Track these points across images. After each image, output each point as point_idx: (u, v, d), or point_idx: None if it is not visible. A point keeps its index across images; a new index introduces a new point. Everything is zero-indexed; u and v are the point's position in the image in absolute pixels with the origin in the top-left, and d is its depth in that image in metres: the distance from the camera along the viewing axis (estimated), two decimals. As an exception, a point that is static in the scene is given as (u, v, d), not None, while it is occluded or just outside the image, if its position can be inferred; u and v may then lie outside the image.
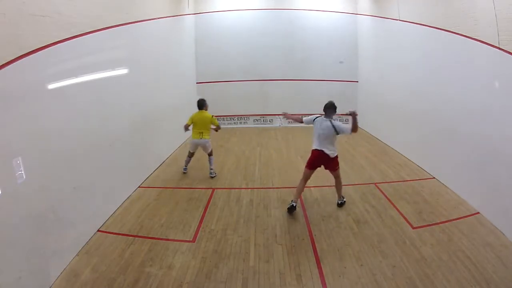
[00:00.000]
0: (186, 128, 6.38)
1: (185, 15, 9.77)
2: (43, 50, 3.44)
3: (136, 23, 6.03)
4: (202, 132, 6.36)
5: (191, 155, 6.71)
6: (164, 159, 7.61)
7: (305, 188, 5.08)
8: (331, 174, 5.10)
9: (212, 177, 6.45)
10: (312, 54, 11.10)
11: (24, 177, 3.11)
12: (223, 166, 7.17)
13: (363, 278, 3.46)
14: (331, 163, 4.95)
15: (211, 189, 5.87)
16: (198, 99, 6.54)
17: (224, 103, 11.21)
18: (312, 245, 4.09)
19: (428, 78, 6.51)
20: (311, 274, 3.56)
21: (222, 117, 11.42)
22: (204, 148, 6.51)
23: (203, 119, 6.36)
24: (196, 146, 6.55)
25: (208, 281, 3.47)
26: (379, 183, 6.00)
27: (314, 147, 4.91)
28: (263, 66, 11.12)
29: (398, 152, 7.90)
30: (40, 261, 3.31)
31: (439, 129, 6.08)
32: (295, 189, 5.02)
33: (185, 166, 6.78)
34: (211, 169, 6.55)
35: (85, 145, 4.26)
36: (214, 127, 6.54)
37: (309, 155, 4.95)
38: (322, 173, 6.57)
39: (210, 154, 6.57)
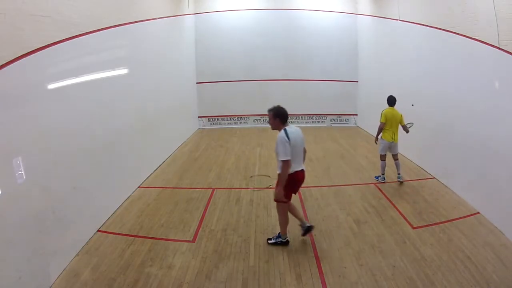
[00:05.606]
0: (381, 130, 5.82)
1: (185, 15, 9.78)
2: (43, 50, 3.45)
3: (136, 23, 6.03)
4: (395, 133, 5.84)
5: (385, 157, 6.01)
6: (164, 159, 7.61)
7: (305, 188, 5.04)
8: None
9: (401, 182, 5.90)
10: (312, 54, 11.11)
11: (24, 177, 3.11)
12: (223, 166, 7.17)
13: (363, 278, 3.46)
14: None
15: (211, 189, 5.87)
16: (389, 95, 5.94)
17: (224, 103, 11.24)
18: (312, 245, 4.08)
19: (427, 78, 6.51)
20: (311, 274, 3.56)
21: (222, 117, 11.45)
22: (395, 149, 5.96)
23: (396, 117, 5.81)
24: (388, 148, 5.95)
25: (208, 281, 3.46)
26: (379, 183, 6.00)
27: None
28: (263, 66, 11.13)
29: (398, 152, 7.89)
30: (40, 261, 3.30)
31: (439, 129, 6.08)
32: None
33: (383, 172, 6.02)
34: (399, 174, 5.95)
35: (85, 145, 4.26)
36: (403, 125, 5.89)
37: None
38: (322, 173, 6.61)
39: (397, 158, 5.99)
